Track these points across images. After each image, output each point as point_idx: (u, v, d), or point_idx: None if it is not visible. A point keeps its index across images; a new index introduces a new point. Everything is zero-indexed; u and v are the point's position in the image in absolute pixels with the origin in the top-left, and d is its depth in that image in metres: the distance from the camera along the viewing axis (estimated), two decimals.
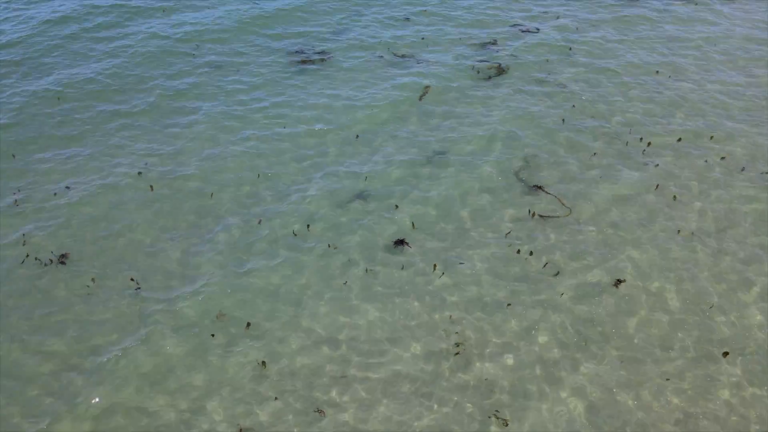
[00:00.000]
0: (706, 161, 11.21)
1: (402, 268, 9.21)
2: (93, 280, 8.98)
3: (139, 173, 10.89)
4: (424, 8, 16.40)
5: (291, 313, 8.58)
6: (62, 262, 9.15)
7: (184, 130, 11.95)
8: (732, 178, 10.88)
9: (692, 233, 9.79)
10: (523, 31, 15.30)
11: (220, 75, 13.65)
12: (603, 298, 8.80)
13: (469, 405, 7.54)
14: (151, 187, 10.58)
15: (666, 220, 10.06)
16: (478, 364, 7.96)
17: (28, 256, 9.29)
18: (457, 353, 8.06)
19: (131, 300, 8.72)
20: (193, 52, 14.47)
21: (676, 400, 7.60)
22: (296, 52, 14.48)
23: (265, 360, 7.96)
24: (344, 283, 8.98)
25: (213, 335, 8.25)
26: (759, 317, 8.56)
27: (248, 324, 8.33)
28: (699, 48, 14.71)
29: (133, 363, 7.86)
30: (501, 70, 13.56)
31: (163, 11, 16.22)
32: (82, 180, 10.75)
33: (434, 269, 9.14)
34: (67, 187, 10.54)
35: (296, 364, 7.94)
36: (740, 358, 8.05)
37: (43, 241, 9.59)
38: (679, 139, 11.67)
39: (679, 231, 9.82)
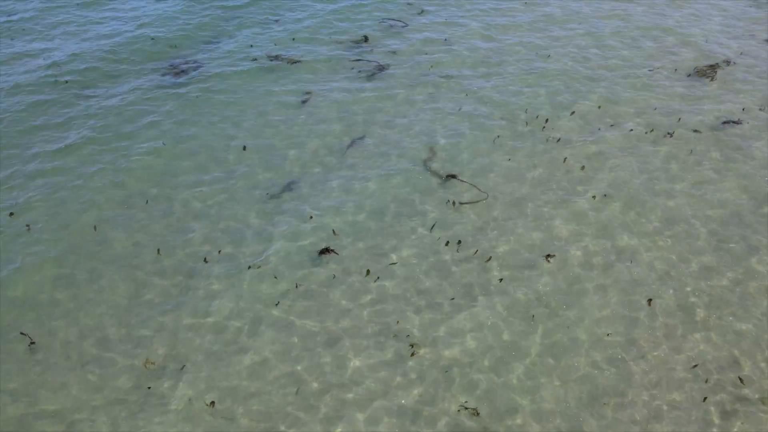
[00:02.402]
0: (599, 129, 11.48)
1: (334, 277, 8.54)
2: None
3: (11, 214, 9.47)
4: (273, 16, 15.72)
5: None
6: None
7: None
8: (636, 141, 11.25)
9: (604, 195, 9.95)
10: (391, 26, 15.06)
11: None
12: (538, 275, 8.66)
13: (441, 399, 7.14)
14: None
15: (581, 186, 10.14)
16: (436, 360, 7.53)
17: None
18: (412, 354, 7.62)
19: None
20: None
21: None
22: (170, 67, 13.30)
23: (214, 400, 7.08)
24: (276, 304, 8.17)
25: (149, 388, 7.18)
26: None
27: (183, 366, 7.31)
28: (563, 26, 15.25)
29: None
30: (381, 67, 13.19)
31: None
32: None
33: (367, 274, 8.57)
34: None
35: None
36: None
37: None
38: (573, 113, 11.87)
39: (594, 196, 9.91)
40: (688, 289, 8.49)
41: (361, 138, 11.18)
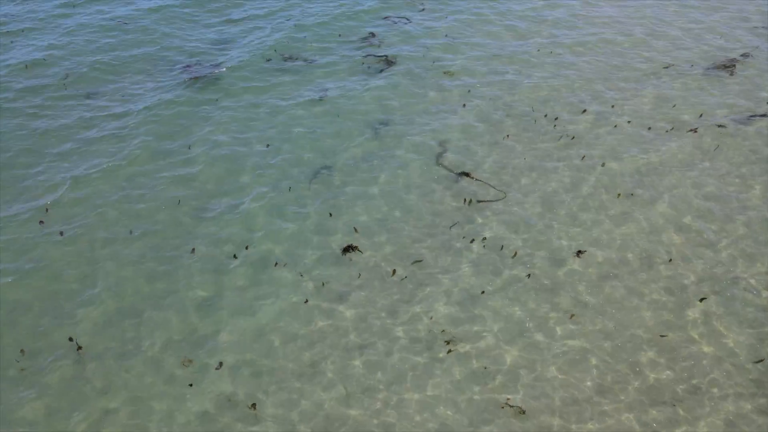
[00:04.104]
0: (615, 126, 10.92)
1: (359, 276, 7.99)
2: None
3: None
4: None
5: None
6: None
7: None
8: (640, 134, 10.75)
9: (631, 194, 9.44)
10: (395, 23, 14.51)
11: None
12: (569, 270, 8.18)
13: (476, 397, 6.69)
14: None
15: (599, 184, 9.63)
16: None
17: None
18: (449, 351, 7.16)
19: None
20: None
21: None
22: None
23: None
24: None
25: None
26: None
27: (253, 405, 6.62)
28: (572, 26, 14.77)
29: None
30: (390, 62, 12.67)
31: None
32: None
33: (393, 274, 8.01)
34: None
35: None
36: None
37: None
38: (584, 111, 11.33)
39: (619, 195, 9.36)
40: None
41: (382, 126, 10.81)
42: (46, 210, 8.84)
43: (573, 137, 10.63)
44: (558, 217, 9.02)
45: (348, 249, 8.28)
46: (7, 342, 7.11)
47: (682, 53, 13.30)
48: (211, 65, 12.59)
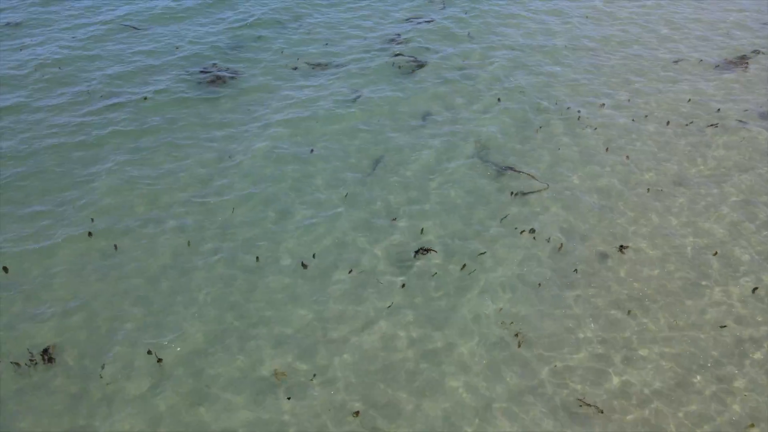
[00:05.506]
0: (633, 120, 11.64)
1: (435, 274, 8.58)
2: None
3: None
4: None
5: None
6: None
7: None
8: (672, 134, 11.46)
9: (661, 190, 10.13)
10: (417, 24, 15.07)
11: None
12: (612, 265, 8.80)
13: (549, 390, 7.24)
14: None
15: (635, 177, 10.32)
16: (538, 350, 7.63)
17: None
18: (519, 344, 7.71)
19: None
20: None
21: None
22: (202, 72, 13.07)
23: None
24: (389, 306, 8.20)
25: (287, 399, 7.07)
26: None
27: (357, 413, 7.06)
28: (598, 20, 15.45)
29: None
30: (420, 64, 13.23)
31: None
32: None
33: (462, 268, 8.61)
34: None
35: None
36: None
37: None
38: (603, 105, 12.03)
39: (648, 189, 10.08)
40: None
41: (421, 125, 11.36)
42: (92, 220, 9.24)
43: (596, 128, 11.38)
44: (605, 208, 9.74)
45: (420, 251, 8.81)
46: None
47: (710, 48, 14.11)
48: (233, 71, 12.97)
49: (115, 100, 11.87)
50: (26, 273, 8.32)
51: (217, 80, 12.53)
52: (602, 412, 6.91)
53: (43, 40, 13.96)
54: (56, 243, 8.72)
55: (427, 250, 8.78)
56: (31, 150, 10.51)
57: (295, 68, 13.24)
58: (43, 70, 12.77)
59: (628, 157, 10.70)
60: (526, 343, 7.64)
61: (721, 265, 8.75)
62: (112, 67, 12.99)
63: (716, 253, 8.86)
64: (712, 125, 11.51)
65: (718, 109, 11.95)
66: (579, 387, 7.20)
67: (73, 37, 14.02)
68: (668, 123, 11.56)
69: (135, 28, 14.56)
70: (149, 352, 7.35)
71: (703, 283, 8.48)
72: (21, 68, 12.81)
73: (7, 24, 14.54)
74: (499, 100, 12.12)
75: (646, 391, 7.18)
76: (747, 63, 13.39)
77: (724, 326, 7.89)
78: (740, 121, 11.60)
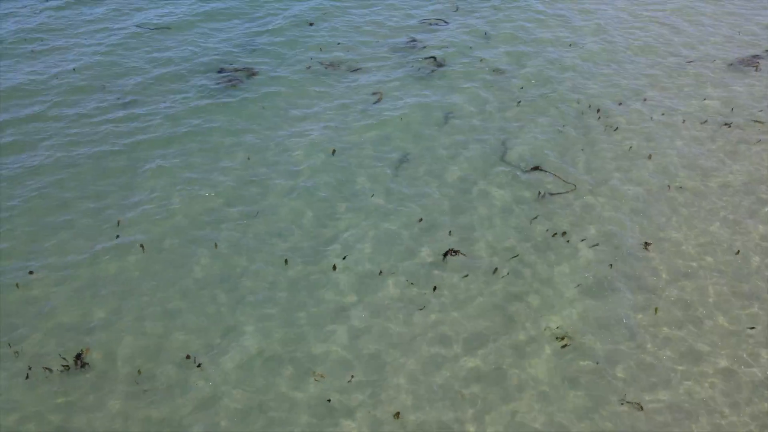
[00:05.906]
0: (651, 118, 11.90)
1: (466, 276, 8.79)
2: None
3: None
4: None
5: None
6: None
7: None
8: (692, 129, 11.79)
9: (680, 187, 10.40)
10: (432, 26, 15.24)
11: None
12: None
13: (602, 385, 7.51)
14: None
15: (654, 176, 10.62)
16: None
17: None
18: (564, 346, 7.95)
19: None
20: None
21: None
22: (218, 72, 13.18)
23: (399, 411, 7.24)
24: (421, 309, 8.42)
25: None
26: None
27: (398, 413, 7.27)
28: (617, 18, 15.72)
29: None
30: (439, 63, 13.40)
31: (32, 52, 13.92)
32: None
33: (494, 272, 8.84)
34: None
35: None
36: None
37: None
38: (620, 103, 12.28)
39: (669, 186, 10.34)
40: None
41: (444, 125, 11.64)
42: (118, 223, 9.42)
43: (616, 128, 11.66)
44: (623, 204, 10.01)
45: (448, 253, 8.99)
46: None
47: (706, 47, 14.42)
48: (251, 74, 13.08)
49: (140, 110, 11.99)
50: (67, 279, 8.50)
51: (237, 82, 12.72)
52: None
53: (61, 45, 14.02)
54: (96, 251, 8.86)
55: (456, 252, 8.97)
56: (70, 159, 10.65)
57: (309, 67, 13.38)
58: (61, 77, 12.81)
59: (650, 156, 10.95)
60: None
61: None
62: (135, 75, 13.10)
63: None
64: (756, 121, 11.86)
65: (761, 110, 12.28)
66: None
67: (95, 43, 14.11)
68: (684, 121, 11.84)
69: (163, 28, 14.78)
70: (198, 365, 7.53)
71: None
72: (40, 74, 12.86)
73: (26, 29, 14.60)
74: (518, 103, 12.36)
75: None
76: (759, 63, 13.74)
77: None
78: (756, 121, 11.93)
